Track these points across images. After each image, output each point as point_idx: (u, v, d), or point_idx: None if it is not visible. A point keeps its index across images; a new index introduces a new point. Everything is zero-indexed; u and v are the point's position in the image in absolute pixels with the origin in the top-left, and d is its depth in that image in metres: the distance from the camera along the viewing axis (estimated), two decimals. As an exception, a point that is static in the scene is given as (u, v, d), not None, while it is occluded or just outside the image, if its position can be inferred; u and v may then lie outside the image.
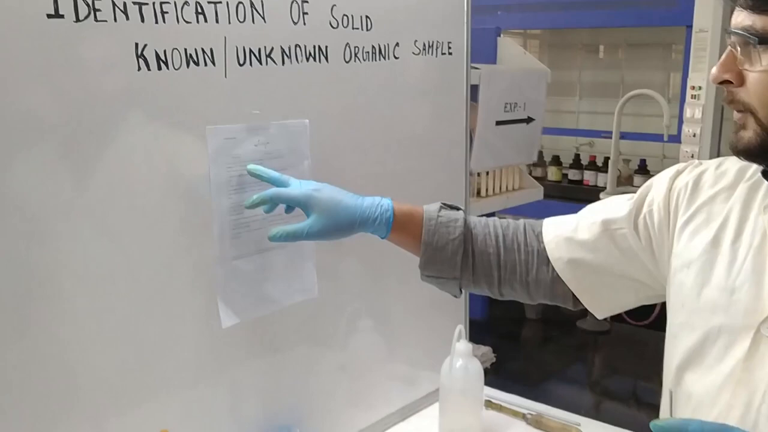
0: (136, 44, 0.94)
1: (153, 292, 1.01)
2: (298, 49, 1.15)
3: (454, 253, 1.06)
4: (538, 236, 1.09)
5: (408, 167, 1.42)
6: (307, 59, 1.17)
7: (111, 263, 0.96)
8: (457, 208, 1.09)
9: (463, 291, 1.11)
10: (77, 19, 0.87)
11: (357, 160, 1.30)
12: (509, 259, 1.08)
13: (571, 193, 3.81)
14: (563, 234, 1.07)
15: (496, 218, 1.13)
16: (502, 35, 1.95)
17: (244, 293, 1.12)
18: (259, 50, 1.09)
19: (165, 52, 0.97)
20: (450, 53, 1.48)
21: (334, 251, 1.23)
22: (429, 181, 1.47)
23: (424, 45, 1.41)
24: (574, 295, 1.07)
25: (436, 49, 1.44)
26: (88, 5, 0.88)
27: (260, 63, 1.10)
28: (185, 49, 0.99)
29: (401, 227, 1.07)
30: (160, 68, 0.97)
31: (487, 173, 1.84)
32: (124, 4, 0.92)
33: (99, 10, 0.89)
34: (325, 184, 1.07)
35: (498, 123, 1.75)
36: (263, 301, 1.15)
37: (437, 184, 1.50)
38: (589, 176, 3.88)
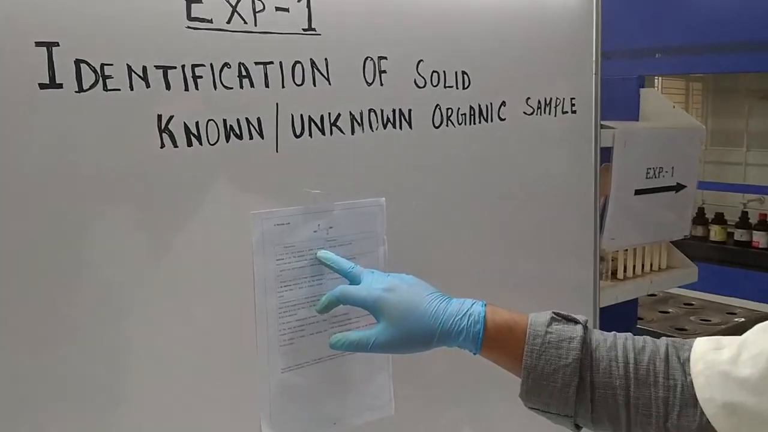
0: (159, 117, 0.77)
1: (182, 409, 0.82)
2: (372, 114, 0.95)
3: (566, 385, 0.80)
4: (684, 365, 0.80)
5: (517, 251, 1.17)
6: (385, 126, 0.97)
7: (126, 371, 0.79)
8: (575, 321, 0.83)
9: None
10: (80, 89, 0.72)
11: (447, 246, 1.07)
12: (642, 395, 0.80)
13: (737, 257, 3.35)
14: (718, 366, 0.77)
15: (627, 336, 0.85)
16: (645, 85, 1.66)
17: (297, 412, 0.91)
18: (322, 118, 0.90)
19: (197, 124, 0.80)
20: (573, 111, 1.22)
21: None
22: (546, 268, 1.21)
23: (539, 103, 1.16)
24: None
25: (555, 107, 1.19)
26: (95, 72, 0.73)
27: (323, 133, 0.91)
28: (224, 120, 0.82)
29: (496, 344, 0.82)
30: (190, 143, 0.80)
31: (626, 250, 1.54)
32: (144, 69, 0.76)
33: (110, 77, 0.74)
34: (404, 277, 0.87)
35: (638, 192, 1.46)
36: (322, 421, 0.93)
37: (557, 270, 1.23)
38: (759, 237, 3.40)
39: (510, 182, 1.15)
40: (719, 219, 3.56)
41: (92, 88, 0.73)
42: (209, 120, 0.81)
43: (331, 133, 0.91)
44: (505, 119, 1.11)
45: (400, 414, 1.00)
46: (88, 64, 0.72)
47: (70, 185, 0.73)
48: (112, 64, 0.74)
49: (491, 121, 1.10)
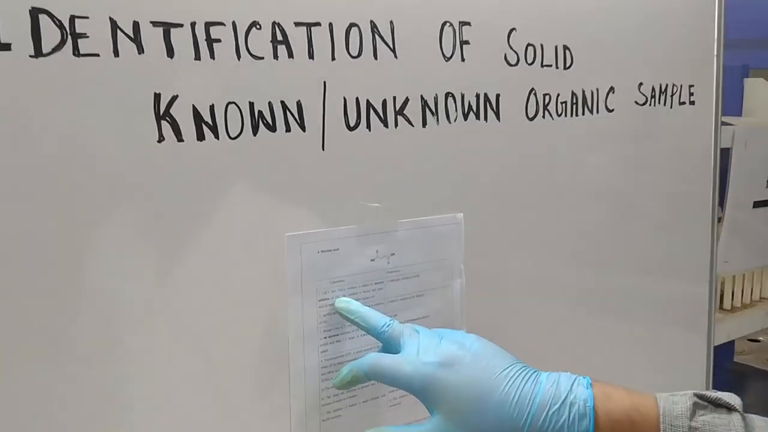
0: (157, 96, 0.53)
1: None
2: (450, 100, 0.70)
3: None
4: None
5: (621, 273, 0.91)
6: (466, 115, 0.72)
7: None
8: (728, 406, 0.56)
9: None
10: (38, 53, 0.48)
11: (535, 270, 0.82)
12: None
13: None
14: None
15: None
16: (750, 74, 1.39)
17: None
18: (384, 104, 0.66)
19: (212, 109, 0.56)
20: (692, 102, 0.96)
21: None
22: (651, 295, 0.95)
23: (653, 90, 0.91)
24: None
25: (671, 96, 0.93)
26: (61, 28, 0.49)
27: (385, 125, 0.66)
28: (250, 104, 0.58)
29: None
30: (201, 136, 0.55)
31: (735, 276, 1.27)
32: (135, 26, 0.52)
33: (83, 36, 0.49)
34: (466, 341, 0.58)
35: (757, 204, 1.19)
36: None
37: (663, 299, 0.97)
38: None
39: (617, 190, 0.89)
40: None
41: (56, 52, 0.49)
42: (229, 103, 0.57)
43: (396, 124, 0.67)
44: (613, 110, 0.86)
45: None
46: (51, 17, 0.48)
47: (25, 189, 0.49)
48: (87, 17, 0.50)
49: (597, 112, 0.84)
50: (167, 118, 0.54)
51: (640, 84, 0.89)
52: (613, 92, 0.85)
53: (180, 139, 0.54)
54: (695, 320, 1.03)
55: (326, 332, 0.63)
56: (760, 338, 1.84)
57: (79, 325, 0.52)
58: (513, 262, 0.78)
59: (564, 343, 0.85)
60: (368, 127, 0.65)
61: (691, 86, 0.96)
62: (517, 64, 0.75)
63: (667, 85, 0.92)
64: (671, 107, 0.93)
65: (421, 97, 0.68)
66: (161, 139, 0.54)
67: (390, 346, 0.60)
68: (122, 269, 0.53)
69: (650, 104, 0.90)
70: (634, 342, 0.94)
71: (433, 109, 0.69)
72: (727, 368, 1.52)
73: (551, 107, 0.79)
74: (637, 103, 0.89)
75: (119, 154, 0.52)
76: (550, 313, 0.83)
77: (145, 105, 0.53)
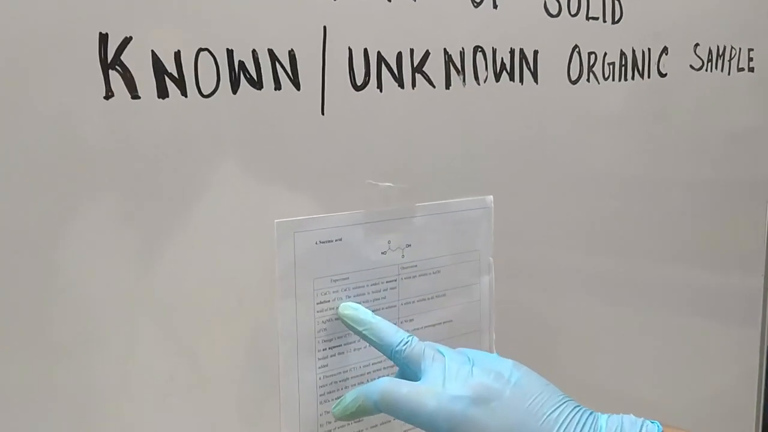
0: (103, 38, 0.40)
1: None
2: (480, 56, 0.57)
3: None
4: None
5: (671, 257, 0.79)
6: (498, 76, 0.59)
7: None
8: None
9: None
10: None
11: (579, 269, 0.69)
12: None
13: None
14: None
15: None
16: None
17: None
18: (399, 58, 0.52)
19: (178, 57, 0.43)
20: (751, 69, 0.83)
21: None
22: (702, 279, 0.83)
23: (710, 53, 0.77)
24: None
25: (729, 61, 0.80)
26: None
27: (400, 84, 0.53)
28: (229, 52, 0.44)
29: None
30: (164, 93, 0.42)
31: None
32: (71, -59, 0.39)
33: (-4, -50, 0.36)
34: (503, 368, 0.45)
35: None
36: None
37: (716, 284, 0.85)
38: None
39: (667, 167, 0.76)
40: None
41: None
42: (201, 50, 0.44)
43: (414, 84, 0.54)
44: (665, 75, 0.73)
45: None
46: None
47: None
48: (2, -73, 0.37)
49: (648, 76, 0.71)
50: (117, 67, 0.41)
51: (696, 45, 0.76)
52: (667, 53, 0.72)
53: (135, 95, 0.41)
54: (749, 313, 0.90)
55: (326, 342, 0.51)
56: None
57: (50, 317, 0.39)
58: (552, 253, 0.66)
59: (608, 341, 0.73)
60: (379, 86, 0.52)
61: (750, 50, 0.83)
62: (558, 14, 0.62)
63: (725, 48, 0.79)
64: (729, 74, 0.80)
65: (445, 51, 0.55)
66: (109, 94, 0.41)
67: (407, 369, 0.47)
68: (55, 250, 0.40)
69: (707, 69, 0.77)
70: (684, 338, 0.82)
71: (459, 67, 0.56)
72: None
73: (597, 69, 0.66)
74: (692, 67, 0.76)
75: (51, 114, 0.39)
76: (595, 311, 0.71)
77: (88, 49, 0.40)
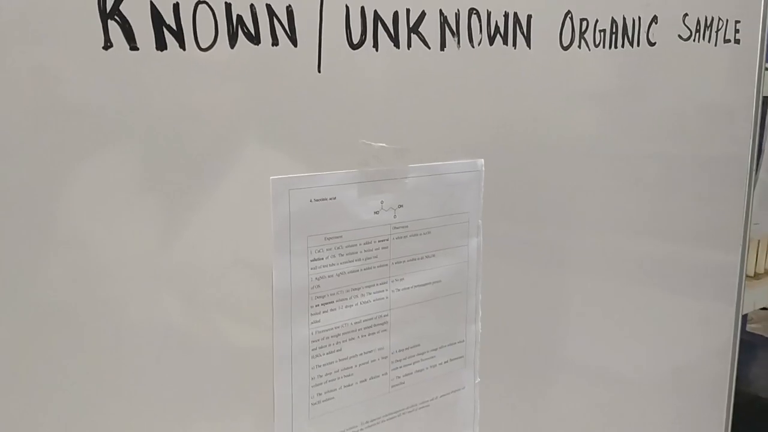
0: (101, -14, 0.40)
1: None
2: (474, 18, 0.57)
3: None
4: None
5: (649, 231, 0.80)
6: (492, 39, 0.59)
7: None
8: None
9: None
10: None
11: (563, 239, 0.70)
12: None
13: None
14: None
15: None
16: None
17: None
18: (396, 18, 0.52)
19: (176, 8, 0.42)
20: (737, 41, 0.84)
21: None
22: (677, 254, 0.85)
23: (698, 24, 0.78)
24: None
25: (716, 32, 0.81)
26: None
27: (396, 44, 0.53)
28: (227, 6, 0.44)
29: None
30: (162, 45, 0.42)
31: (759, 241, 1.17)
32: None
33: None
34: None
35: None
36: None
37: (690, 259, 0.87)
38: None
39: (647, 139, 0.77)
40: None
41: None
42: (199, 2, 0.43)
43: (409, 44, 0.54)
44: (654, 44, 0.73)
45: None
46: None
47: None
48: None
49: (637, 44, 0.72)
50: (116, 17, 0.40)
51: (685, 15, 0.76)
52: (656, 22, 0.73)
53: (133, 46, 0.41)
54: (725, 287, 0.92)
55: (319, 299, 0.51)
56: (769, 305, 1.76)
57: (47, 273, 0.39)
58: (537, 221, 0.67)
59: (587, 310, 0.74)
60: (375, 45, 0.52)
61: (737, 22, 0.83)
62: (552, -21, 0.62)
63: (713, 19, 0.80)
64: (716, 45, 0.81)
65: (441, 12, 0.55)
66: (108, 44, 0.40)
67: None
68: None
69: (694, 39, 0.78)
70: (661, 310, 0.83)
71: (454, 29, 0.56)
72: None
73: (588, 35, 0.66)
74: (680, 37, 0.76)
75: (49, 67, 0.39)
76: (575, 281, 0.72)
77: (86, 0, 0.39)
